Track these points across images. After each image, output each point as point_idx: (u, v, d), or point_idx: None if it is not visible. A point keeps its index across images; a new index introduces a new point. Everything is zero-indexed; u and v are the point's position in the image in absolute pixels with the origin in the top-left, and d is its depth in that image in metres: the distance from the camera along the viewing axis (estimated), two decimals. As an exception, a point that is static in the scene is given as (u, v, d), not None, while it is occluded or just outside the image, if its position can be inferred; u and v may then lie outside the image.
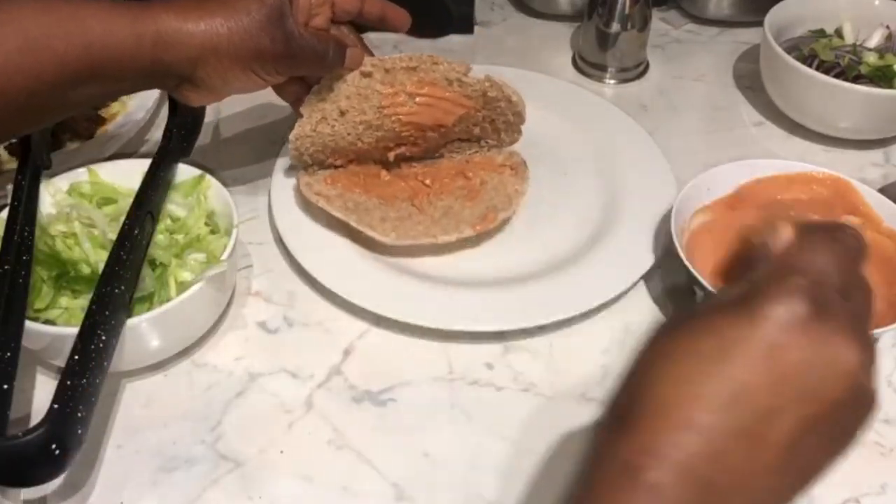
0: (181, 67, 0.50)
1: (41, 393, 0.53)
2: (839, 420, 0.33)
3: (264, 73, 0.53)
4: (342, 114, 0.60)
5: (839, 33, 0.78)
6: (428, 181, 0.65)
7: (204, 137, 0.71)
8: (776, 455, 0.32)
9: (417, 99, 0.59)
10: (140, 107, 0.72)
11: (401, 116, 0.60)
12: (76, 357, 0.45)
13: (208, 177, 0.59)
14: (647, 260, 0.60)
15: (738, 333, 0.32)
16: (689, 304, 0.59)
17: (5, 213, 0.54)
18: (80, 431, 0.43)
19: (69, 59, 0.46)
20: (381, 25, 0.59)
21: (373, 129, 0.61)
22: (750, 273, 0.35)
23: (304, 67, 0.57)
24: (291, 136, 0.61)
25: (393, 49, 0.85)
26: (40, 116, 0.51)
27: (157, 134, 0.70)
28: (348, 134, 0.61)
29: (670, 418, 0.32)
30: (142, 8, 0.49)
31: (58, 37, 0.46)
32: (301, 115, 0.61)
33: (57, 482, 0.48)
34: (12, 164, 0.67)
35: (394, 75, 0.60)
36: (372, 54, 0.61)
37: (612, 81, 0.82)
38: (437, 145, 0.65)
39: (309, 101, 0.60)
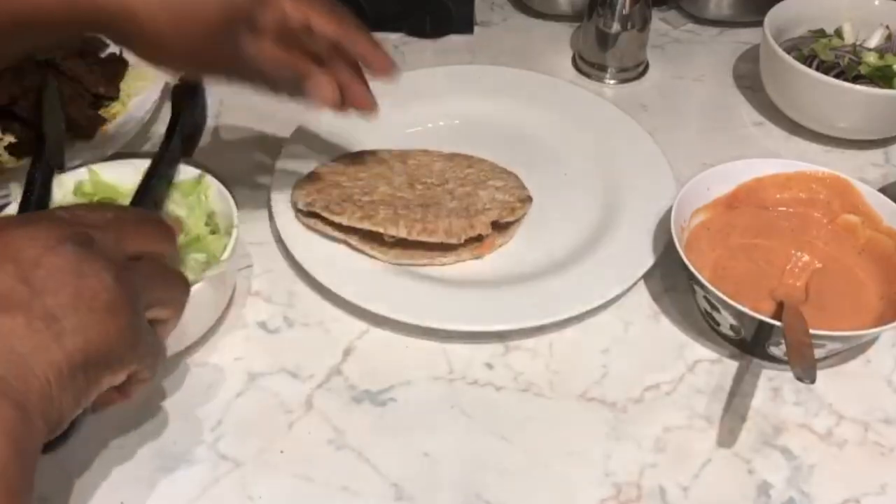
0: (118, 38, 0.48)
1: (41, 393, 0.53)
2: None
3: (206, 73, 0.51)
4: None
5: (839, 33, 0.78)
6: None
7: (205, 137, 0.70)
8: None
9: None
10: (141, 106, 0.71)
11: None
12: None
13: (208, 177, 0.59)
14: (647, 260, 0.60)
15: None
16: (688, 304, 0.59)
17: (12, 207, 0.55)
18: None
19: None
20: (363, 65, 0.55)
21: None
22: None
23: (252, 85, 0.53)
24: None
25: (393, 50, 0.85)
26: None
27: (158, 133, 0.70)
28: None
29: None
30: None
31: None
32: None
33: (57, 482, 0.48)
34: (12, 164, 0.67)
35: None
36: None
37: (612, 81, 0.82)
38: None
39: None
